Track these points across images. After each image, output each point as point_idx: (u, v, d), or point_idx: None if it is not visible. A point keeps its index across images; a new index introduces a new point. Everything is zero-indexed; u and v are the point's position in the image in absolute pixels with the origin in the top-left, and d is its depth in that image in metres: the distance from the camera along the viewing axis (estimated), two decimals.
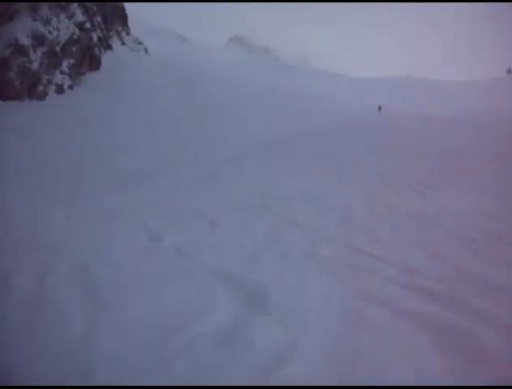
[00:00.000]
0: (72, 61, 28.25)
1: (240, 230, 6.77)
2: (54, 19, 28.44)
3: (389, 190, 9.28)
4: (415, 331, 3.53)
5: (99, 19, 34.67)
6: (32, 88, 25.74)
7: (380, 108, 40.60)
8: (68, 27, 29.24)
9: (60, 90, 26.82)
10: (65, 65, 27.71)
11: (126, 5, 43.86)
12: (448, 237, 6.08)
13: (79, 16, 30.73)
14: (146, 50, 45.25)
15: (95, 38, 32.20)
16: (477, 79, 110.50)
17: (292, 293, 4.27)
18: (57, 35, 28.01)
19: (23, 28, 27.08)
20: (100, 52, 32.62)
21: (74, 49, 29.17)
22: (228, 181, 11.55)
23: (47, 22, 27.96)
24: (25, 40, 26.64)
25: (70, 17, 29.99)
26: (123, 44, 41.01)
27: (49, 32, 27.83)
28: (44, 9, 28.36)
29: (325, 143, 16.52)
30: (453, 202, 8.04)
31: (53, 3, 28.49)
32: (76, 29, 29.88)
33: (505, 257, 5.14)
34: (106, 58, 32.68)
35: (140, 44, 45.19)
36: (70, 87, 26.56)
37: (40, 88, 26.09)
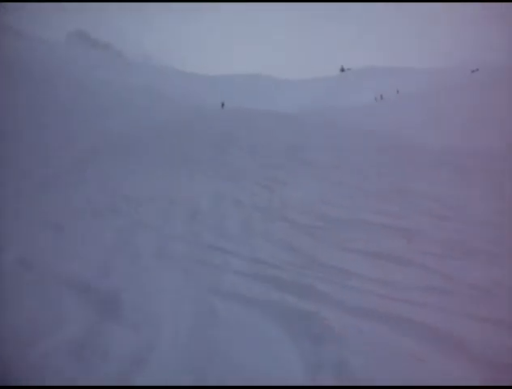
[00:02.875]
0: None
1: (88, 235, 6.49)
2: None
3: (236, 185, 9.58)
4: (264, 319, 3.74)
5: None
6: None
7: (223, 104, 41.99)
8: None
9: None
10: None
11: None
12: (293, 227, 6.46)
13: None
14: None
15: None
16: (317, 76, 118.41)
17: (144, 296, 4.25)
18: None
19: None
20: None
21: None
22: (72, 184, 10.95)
23: None
24: None
25: None
26: None
27: None
28: None
29: (171, 141, 16.46)
30: (298, 194, 8.53)
31: None
32: None
33: (346, 242, 5.59)
34: None
35: None
36: None
37: None
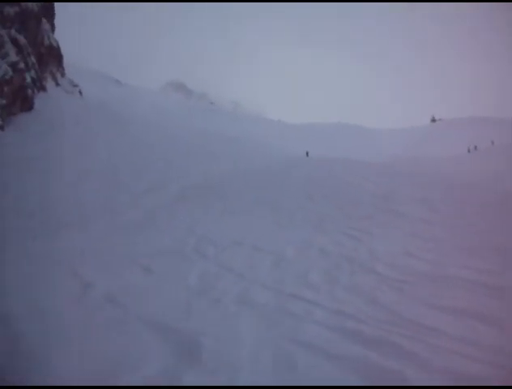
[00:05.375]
0: (3, 101, 27.47)
1: (174, 277, 6.70)
2: None
3: (322, 234, 9.47)
4: (344, 374, 3.61)
5: (33, 60, 34.02)
6: None
7: (307, 153, 42.37)
8: (0, 67, 28.54)
9: None
10: None
11: (62, 46, 43.29)
12: (379, 280, 6.26)
13: (13, 56, 30.09)
14: (80, 92, 44.49)
15: (28, 79, 31.47)
16: (406, 126, 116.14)
17: (225, 342, 4.26)
18: None
19: None
20: (34, 93, 31.88)
21: (5, 90, 28.39)
22: (163, 225, 11.40)
23: None
24: None
25: (3, 57, 29.33)
26: (57, 85, 40.15)
27: None
28: None
29: (259, 187, 16.70)
30: (385, 246, 8.28)
31: None
32: (9, 69, 29.20)
33: (433, 298, 5.35)
34: (39, 99, 31.82)
35: (75, 86, 44.37)
36: (1, 127, 25.70)
37: None
